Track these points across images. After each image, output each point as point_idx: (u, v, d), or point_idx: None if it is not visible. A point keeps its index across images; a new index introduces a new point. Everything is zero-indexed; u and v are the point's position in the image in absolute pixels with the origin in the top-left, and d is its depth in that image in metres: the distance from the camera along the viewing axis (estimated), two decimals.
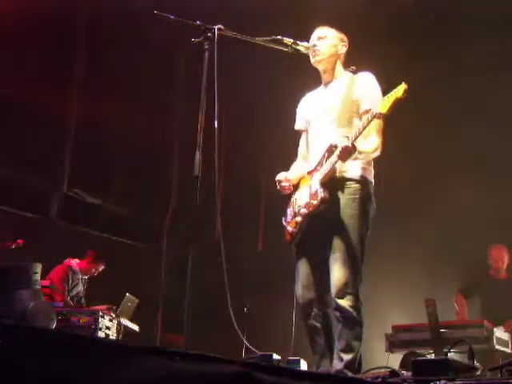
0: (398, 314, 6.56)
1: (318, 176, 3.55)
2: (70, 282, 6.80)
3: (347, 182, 3.57)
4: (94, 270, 7.06)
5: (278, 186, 3.77)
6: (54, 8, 6.27)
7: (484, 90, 6.78)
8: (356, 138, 3.37)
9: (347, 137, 3.38)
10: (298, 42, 3.74)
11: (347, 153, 3.37)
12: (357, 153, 3.42)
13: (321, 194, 3.47)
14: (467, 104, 6.85)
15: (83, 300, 7.00)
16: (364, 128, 3.37)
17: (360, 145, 3.43)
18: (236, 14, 5.54)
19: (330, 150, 3.50)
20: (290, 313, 3.87)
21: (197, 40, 3.47)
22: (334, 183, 3.54)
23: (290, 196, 3.80)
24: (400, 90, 3.21)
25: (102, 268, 7.11)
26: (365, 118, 3.39)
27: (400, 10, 6.39)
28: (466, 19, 6.37)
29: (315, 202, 3.50)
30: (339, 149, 3.37)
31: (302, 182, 3.76)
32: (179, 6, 4.38)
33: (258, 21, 5.76)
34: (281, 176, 3.78)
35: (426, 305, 4.95)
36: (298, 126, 3.99)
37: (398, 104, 3.23)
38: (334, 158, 3.44)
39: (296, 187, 3.78)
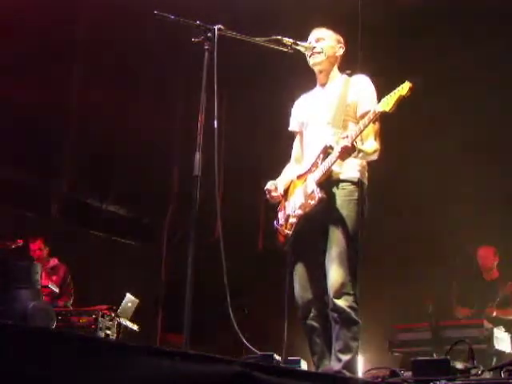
0: (398, 314, 6.56)
1: (315, 176, 3.53)
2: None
3: (343, 184, 3.57)
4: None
5: (268, 196, 3.78)
6: (55, 8, 6.27)
7: (484, 91, 6.76)
8: (356, 137, 3.37)
9: (346, 136, 3.37)
10: (298, 42, 3.74)
11: (347, 152, 3.37)
12: (356, 152, 3.42)
13: (318, 194, 3.46)
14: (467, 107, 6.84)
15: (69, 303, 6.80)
16: (365, 126, 3.36)
17: (359, 144, 3.44)
18: (236, 14, 5.54)
19: (325, 151, 3.50)
20: (289, 313, 3.86)
21: (197, 40, 3.46)
22: (329, 184, 3.53)
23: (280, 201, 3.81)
24: (405, 88, 3.24)
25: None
26: (366, 117, 3.38)
27: (399, 11, 6.37)
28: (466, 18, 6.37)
29: (312, 202, 3.49)
30: (339, 148, 3.36)
31: (293, 186, 3.75)
32: (179, 5, 4.36)
33: (257, 21, 5.75)
34: (270, 185, 3.78)
35: (425, 305, 4.96)
36: (292, 127, 3.99)
37: (401, 102, 3.23)
38: (332, 158, 3.43)
39: (286, 192, 3.77)
